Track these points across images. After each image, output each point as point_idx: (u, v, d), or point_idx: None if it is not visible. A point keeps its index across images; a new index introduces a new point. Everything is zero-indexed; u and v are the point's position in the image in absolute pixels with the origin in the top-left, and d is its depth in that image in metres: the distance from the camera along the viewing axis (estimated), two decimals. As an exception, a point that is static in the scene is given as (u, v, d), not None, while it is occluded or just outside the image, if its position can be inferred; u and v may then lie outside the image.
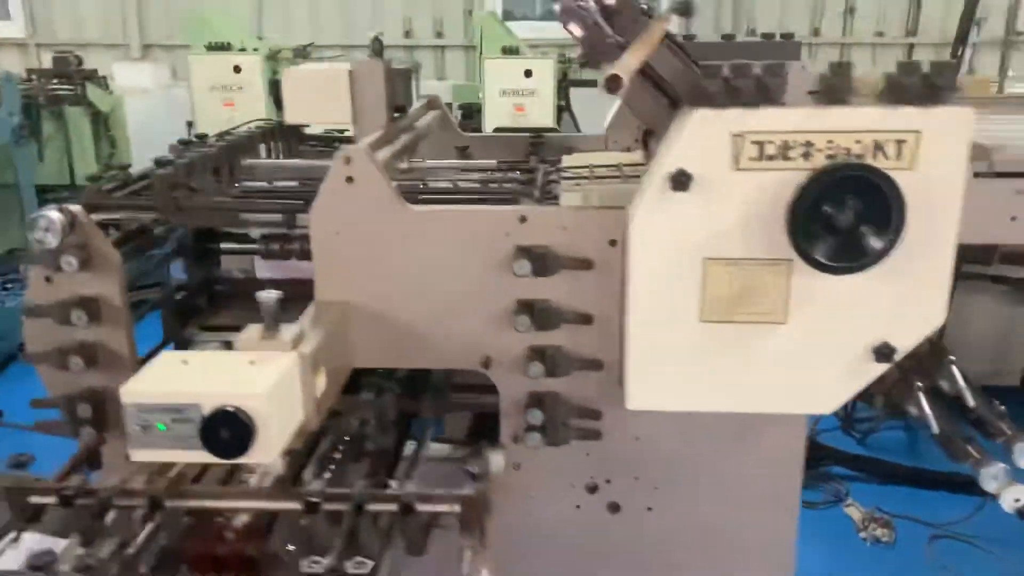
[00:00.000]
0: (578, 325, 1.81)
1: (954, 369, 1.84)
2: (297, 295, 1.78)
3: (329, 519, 1.45)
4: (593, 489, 1.96)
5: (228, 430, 1.40)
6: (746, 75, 1.57)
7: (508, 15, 8.00)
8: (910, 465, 4.08)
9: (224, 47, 6.21)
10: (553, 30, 7.86)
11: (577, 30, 1.68)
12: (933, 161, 1.55)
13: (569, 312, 1.80)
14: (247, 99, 6.23)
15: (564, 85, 6.20)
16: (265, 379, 1.45)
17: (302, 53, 6.49)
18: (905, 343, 1.66)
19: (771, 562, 2.01)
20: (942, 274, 1.62)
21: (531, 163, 2.38)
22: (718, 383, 1.72)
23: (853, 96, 1.58)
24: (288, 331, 1.61)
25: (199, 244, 2.27)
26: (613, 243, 1.76)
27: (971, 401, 1.82)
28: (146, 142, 7.43)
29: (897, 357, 1.66)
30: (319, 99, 2.13)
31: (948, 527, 3.53)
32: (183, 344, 2.17)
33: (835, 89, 1.59)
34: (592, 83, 6.31)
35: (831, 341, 1.67)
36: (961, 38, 3.84)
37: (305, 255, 2.10)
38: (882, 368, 1.68)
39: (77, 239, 1.81)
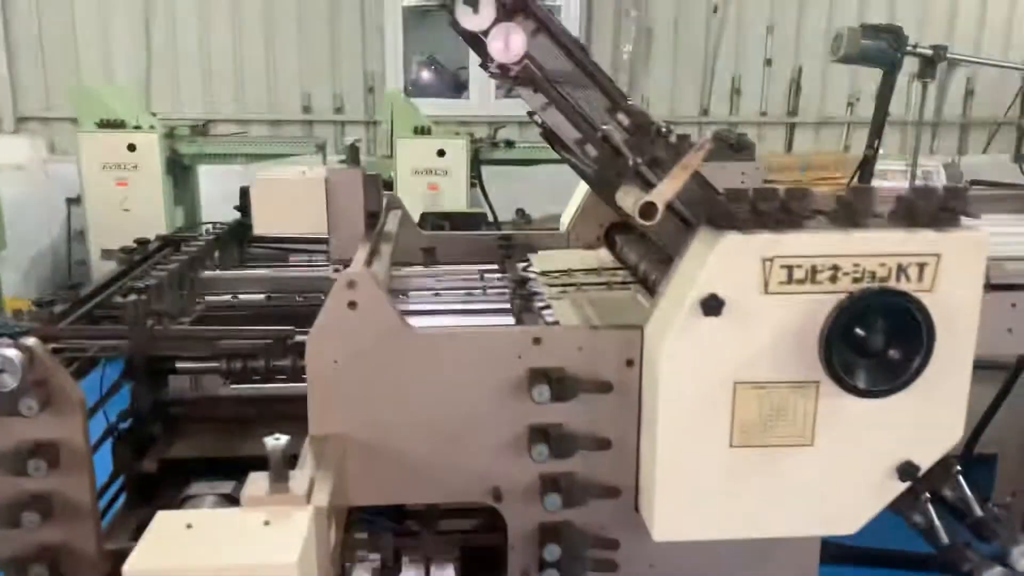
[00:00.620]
0: (594, 451, 1.72)
1: (960, 479, 1.86)
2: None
3: None
4: (606, 620, 1.85)
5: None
6: (771, 199, 1.56)
7: (407, 90, 7.98)
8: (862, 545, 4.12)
9: (118, 124, 5.88)
10: (457, 107, 7.90)
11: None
12: (952, 282, 1.57)
13: (586, 437, 1.72)
14: (143, 178, 5.90)
15: (475, 163, 6.19)
16: (291, 545, 1.29)
17: (201, 131, 6.23)
18: (926, 460, 1.66)
19: None
20: (961, 391, 1.64)
21: (508, 269, 2.30)
22: (746, 509, 1.66)
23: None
24: (298, 482, 1.45)
25: (151, 365, 2.06)
26: (630, 363, 1.70)
27: (977, 511, 1.84)
28: (21, 220, 6.94)
29: (919, 475, 1.66)
30: (292, 208, 2.00)
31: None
32: (139, 479, 1.95)
33: (854, 211, 1.60)
34: (502, 162, 6.34)
35: (856, 462, 1.65)
36: (877, 129, 4.06)
37: (272, 373, 1.94)
38: (904, 486, 1.67)
39: (35, 376, 1.60)
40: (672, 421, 1.61)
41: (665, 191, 1.46)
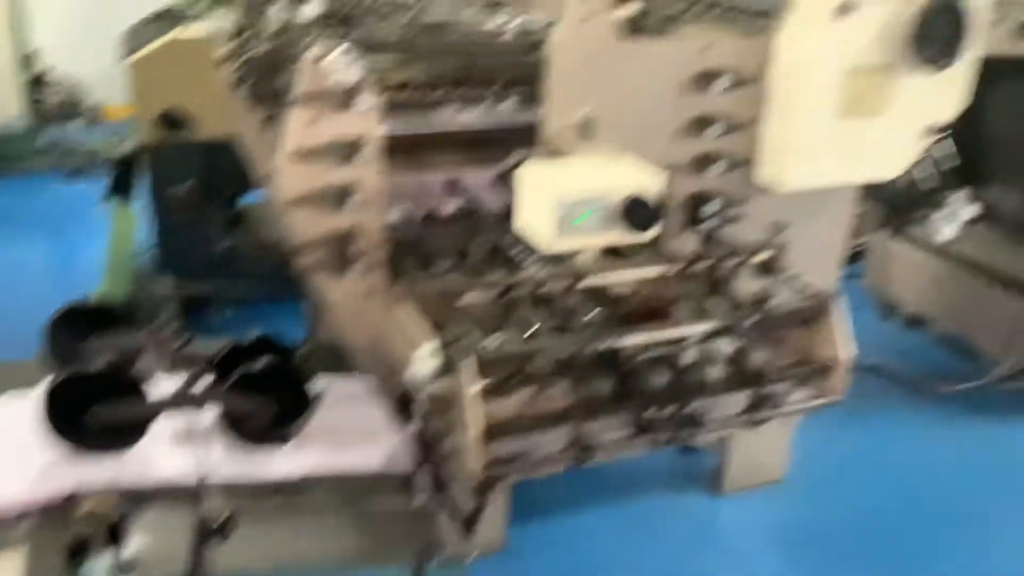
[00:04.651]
0: (741, 131, 2.33)
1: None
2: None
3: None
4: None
5: (642, 212, 1.75)
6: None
7: None
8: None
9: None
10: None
11: None
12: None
13: (736, 122, 2.32)
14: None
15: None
16: (646, 171, 1.80)
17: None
18: (944, 122, 2.45)
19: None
20: (967, 72, 2.41)
21: None
22: (840, 164, 2.37)
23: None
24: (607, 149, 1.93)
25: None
26: (763, 66, 2.30)
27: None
28: None
29: (939, 134, 2.45)
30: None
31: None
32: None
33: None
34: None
35: (905, 125, 2.40)
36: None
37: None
38: (930, 141, 2.46)
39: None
40: (801, 100, 2.25)
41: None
